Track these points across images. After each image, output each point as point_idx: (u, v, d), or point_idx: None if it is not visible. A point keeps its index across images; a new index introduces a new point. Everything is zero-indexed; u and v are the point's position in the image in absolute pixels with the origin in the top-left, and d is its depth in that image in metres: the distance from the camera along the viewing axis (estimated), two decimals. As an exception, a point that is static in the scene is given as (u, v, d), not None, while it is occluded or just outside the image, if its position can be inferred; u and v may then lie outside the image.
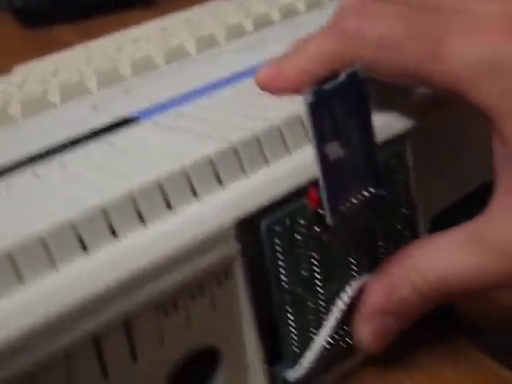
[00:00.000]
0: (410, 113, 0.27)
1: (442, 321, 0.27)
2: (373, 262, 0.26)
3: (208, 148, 0.23)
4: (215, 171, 0.23)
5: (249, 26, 0.38)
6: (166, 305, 0.22)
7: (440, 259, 0.24)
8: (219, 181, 0.23)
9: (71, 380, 0.21)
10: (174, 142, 0.24)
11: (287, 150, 0.24)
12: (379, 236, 0.26)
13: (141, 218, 0.22)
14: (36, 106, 0.32)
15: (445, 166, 0.30)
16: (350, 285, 0.25)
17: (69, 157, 0.25)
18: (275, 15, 0.39)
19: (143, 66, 0.35)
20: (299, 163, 0.24)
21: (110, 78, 0.34)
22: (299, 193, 0.24)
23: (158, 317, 0.22)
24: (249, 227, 0.24)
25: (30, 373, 0.19)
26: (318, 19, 0.27)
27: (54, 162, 0.25)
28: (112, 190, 0.22)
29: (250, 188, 0.23)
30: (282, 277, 0.24)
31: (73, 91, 0.33)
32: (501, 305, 0.29)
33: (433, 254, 0.24)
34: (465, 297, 0.25)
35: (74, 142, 0.26)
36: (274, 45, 0.27)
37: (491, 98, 0.22)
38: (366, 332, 0.25)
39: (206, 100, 0.28)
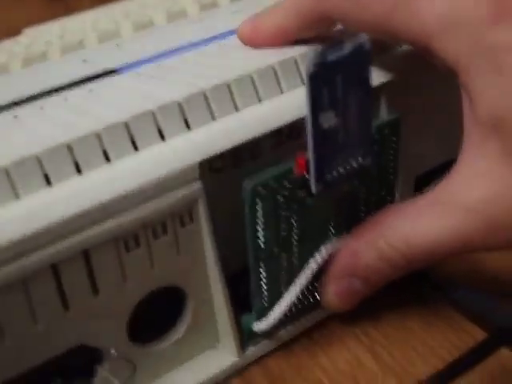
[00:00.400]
0: (387, 68, 0.26)
1: (414, 275, 0.27)
2: (353, 226, 0.26)
3: (178, 93, 0.24)
4: (183, 114, 0.23)
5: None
6: (127, 240, 0.22)
7: (409, 224, 0.23)
8: (187, 124, 0.23)
9: (31, 308, 0.21)
10: (149, 88, 0.25)
11: (258, 98, 0.25)
12: (362, 201, 0.26)
13: (106, 155, 0.22)
14: (35, 62, 0.33)
15: (430, 127, 0.29)
16: (325, 246, 0.26)
17: (48, 101, 0.26)
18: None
19: (143, 29, 0.35)
20: (269, 112, 0.24)
21: (109, 39, 0.34)
22: (267, 138, 0.24)
23: (119, 251, 0.22)
24: (216, 171, 0.24)
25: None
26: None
27: (35, 105, 0.25)
28: (81, 128, 0.22)
29: (217, 131, 0.23)
30: (260, 235, 0.24)
31: (72, 50, 0.33)
32: (480, 265, 0.29)
33: (402, 220, 0.24)
34: (433, 263, 0.24)
35: (57, 89, 0.27)
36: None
37: (457, 52, 0.22)
38: (331, 292, 0.25)
39: (190, 54, 0.28)
